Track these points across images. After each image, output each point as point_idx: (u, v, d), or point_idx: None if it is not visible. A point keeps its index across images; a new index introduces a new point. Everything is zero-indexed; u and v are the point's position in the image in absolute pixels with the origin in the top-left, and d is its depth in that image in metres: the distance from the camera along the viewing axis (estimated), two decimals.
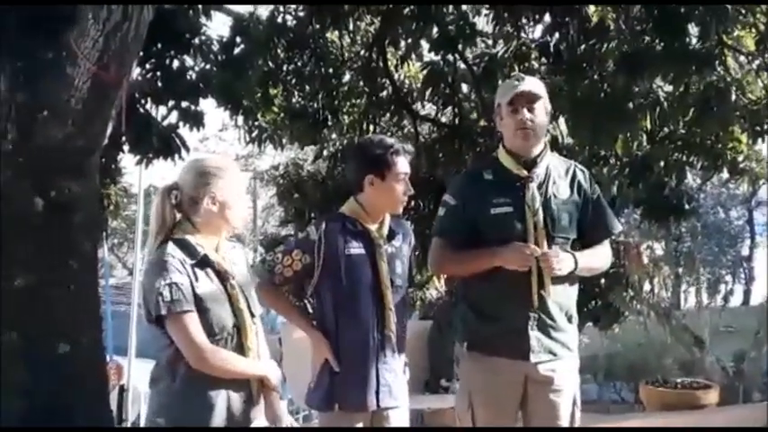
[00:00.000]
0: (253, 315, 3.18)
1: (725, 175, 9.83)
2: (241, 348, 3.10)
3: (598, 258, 3.93)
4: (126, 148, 7.92)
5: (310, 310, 3.88)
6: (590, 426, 3.96)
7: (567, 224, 3.79)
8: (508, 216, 3.74)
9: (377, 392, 3.73)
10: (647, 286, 11.43)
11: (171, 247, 3.02)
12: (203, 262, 3.05)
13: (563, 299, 3.82)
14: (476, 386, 3.86)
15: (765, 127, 7.90)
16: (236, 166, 3.33)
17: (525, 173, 3.78)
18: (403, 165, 3.78)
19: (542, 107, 3.82)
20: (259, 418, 3.17)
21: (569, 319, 3.86)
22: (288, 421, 3.22)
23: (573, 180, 3.86)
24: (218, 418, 3.03)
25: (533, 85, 3.85)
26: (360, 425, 3.73)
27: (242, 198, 3.23)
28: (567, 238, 3.79)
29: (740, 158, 8.89)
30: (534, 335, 3.75)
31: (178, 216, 3.12)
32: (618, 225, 4.02)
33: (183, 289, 2.95)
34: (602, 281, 8.91)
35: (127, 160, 8.75)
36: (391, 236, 3.84)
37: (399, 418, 3.84)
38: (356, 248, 3.73)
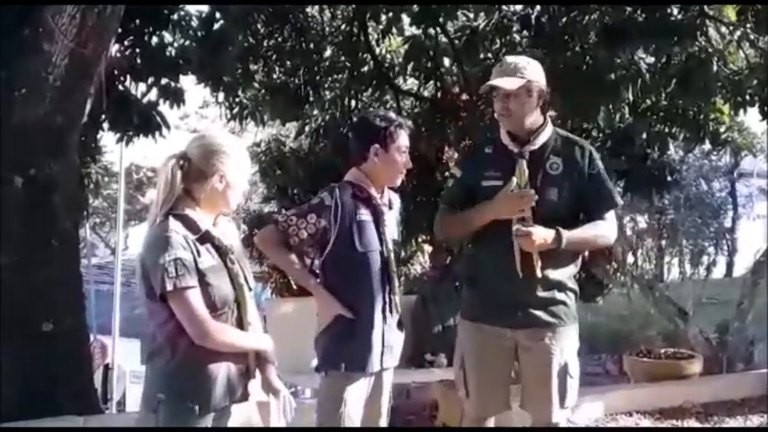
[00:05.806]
0: (250, 289, 3.19)
1: (707, 146, 9.84)
2: (240, 322, 3.11)
3: (595, 231, 3.93)
4: (106, 125, 7.85)
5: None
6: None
7: (556, 199, 3.83)
8: (497, 189, 3.83)
9: (381, 354, 3.88)
10: (630, 258, 11.46)
11: (173, 222, 2.98)
12: (204, 237, 3.03)
13: (553, 271, 3.86)
14: (467, 351, 4.03)
15: (747, 98, 7.90)
16: (245, 149, 3.30)
17: (518, 149, 3.87)
18: (404, 138, 3.94)
19: (522, 93, 3.86)
20: (256, 391, 3.18)
21: (562, 291, 3.92)
22: (284, 393, 3.23)
23: (568, 157, 3.90)
24: (219, 392, 3.02)
25: (510, 72, 3.87)
26: (363, 385, 3.86)
27: (245, 182, 3.20)
28: (555, 212, 3.81)
29: (722, 129, 8.88)
30: (521, 305, 3.84)
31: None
32: (618, 198, 4.05)
33: (188, 264, 2.92)
34: (585, 253, 8.93)
35: (107, 138, 8.68)
36: (390, 204, 4.00)
37: (390, 374, 4.03)
38: (365, 215, 3.87)
